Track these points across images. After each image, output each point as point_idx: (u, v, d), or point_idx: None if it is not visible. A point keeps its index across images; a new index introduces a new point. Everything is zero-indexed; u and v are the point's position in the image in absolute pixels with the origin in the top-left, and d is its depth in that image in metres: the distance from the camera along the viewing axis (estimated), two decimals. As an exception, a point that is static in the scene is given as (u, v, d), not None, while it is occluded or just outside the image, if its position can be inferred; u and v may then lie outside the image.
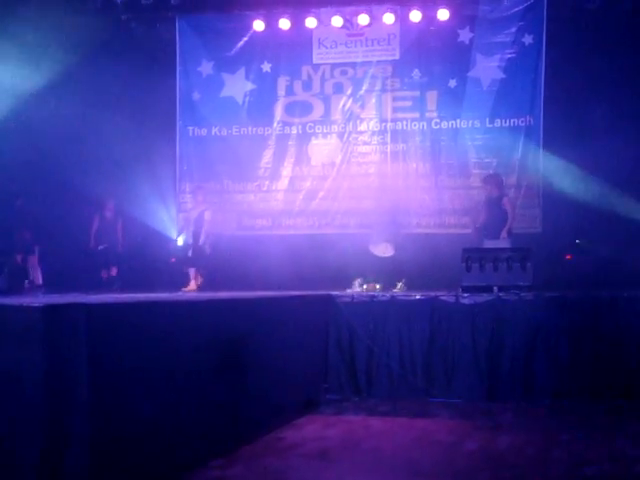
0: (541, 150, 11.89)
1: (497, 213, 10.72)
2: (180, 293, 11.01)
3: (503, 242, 10.37)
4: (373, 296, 9.01)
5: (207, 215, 11.93)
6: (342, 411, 7.92)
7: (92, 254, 12.11)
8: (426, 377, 8.55)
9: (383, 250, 11.80)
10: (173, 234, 12.58)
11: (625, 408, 7.79)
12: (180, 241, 12.15)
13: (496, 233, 10.59)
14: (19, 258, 12.56)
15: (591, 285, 9.62)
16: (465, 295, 8.67)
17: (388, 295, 8.91)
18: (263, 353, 6.77)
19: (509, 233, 10.53)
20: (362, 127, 12.68)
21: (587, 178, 11.26)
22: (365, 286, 10.73)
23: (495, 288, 8.82)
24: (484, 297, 8.57)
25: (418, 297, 8.73)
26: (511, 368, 8.37)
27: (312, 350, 8.34)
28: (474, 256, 9.12)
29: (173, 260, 12.16)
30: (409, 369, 8.57)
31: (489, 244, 10.48)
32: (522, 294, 8.58)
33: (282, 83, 12.92)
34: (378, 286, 10.75)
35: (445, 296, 8.74)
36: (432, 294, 8.78)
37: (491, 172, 11.58)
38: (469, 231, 11.35)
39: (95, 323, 4.69)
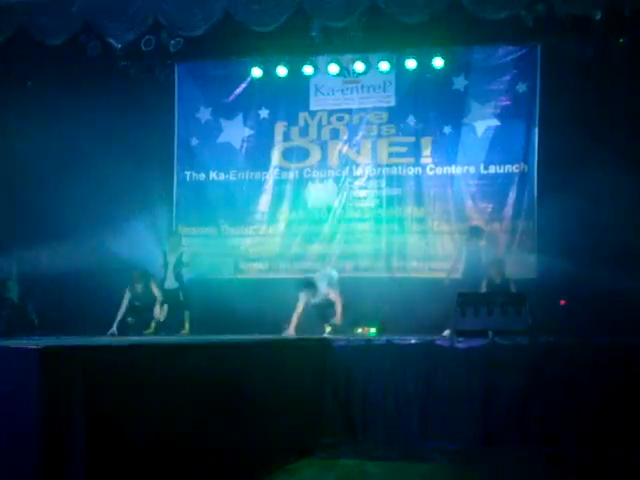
0: (535, 197, 11.98)
1: None
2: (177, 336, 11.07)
3: None
4: (369, 340, 9.04)
5: (185, 257, 12.09)
6: (337, 455, 7.91)
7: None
8: (422, 422, 8.55)
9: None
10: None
11: (622, 455, 7.77)
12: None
13: None
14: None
15: (587, 331, 9.65)
16: (460, 339, 8.70)
17: (384, 339, 8.93)
18: (259, 396, 6.78)
19: None
20: (358, 172, 12.77)
21: (582, 224, 11.30)
22: (360, 330, 10.76)
23: (490, 333, 8.85)
24: (479, 342, 8.60)
25: (413, 341, 8.76)
26: (507, 413, 8.37)
27: (307, 393, 8.34)
28: (469, 300, 9.17)
29: None
30: (405, 414, 8.58)
31: None
32: (517, 339, 8.62)
33: (279, 129, 13.05)
34: (373, 329, 10.79)
35: (440, 340, 8.78)
36: (428, 338, 8.81)
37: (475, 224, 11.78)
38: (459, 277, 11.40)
39: (91, 365, 4.71)
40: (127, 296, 11.69)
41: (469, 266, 11.15)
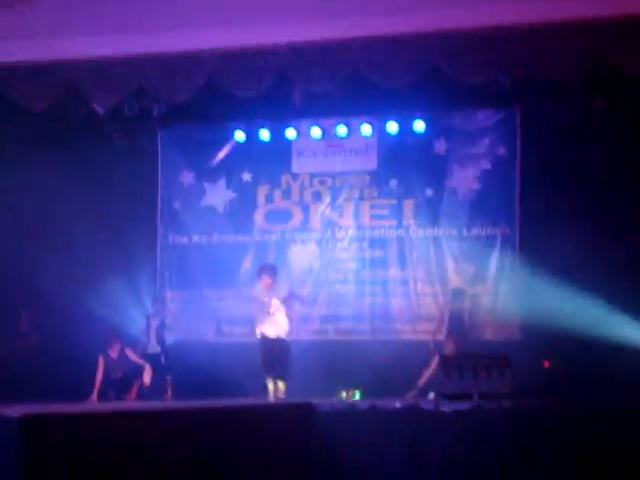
0: (518, 259, 12.03)
1: None
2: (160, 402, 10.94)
3: None
4: (353, 404, 8.98)
5: (167, 321, 12.14)
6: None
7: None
8: (407, 487, 8.46)
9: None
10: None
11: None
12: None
13: None
14: None
15: (571, 393, 9.63)
16: (445, 403, 8.66)
17: (368, 404, 8.87)
18: (240, 463, 6.70)
19: None
20: (340, 234, 12.81)
21: (565, 286, 11.33)
22: (344, 394, 10.70)
23: (475, 396, 8.82)
24: (464, 405, 8.56)
25: (398, 405, 8.71)
26: (491, 477, 8.30)
27: (291, 459, 8.23)
28: (453, 363, 9.15)
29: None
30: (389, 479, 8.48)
31: None
32: (502, 402, 8.58)
33: (262, 192, 13.09)
34: (357, 393, 10.74)
35: (425, 404, 8.73)
36: (412, 402, 8.76)
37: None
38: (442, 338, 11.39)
39: (72, 434, 4.65)
40: (102, 364, 11.54)
41: (452, 328, 11.17)
